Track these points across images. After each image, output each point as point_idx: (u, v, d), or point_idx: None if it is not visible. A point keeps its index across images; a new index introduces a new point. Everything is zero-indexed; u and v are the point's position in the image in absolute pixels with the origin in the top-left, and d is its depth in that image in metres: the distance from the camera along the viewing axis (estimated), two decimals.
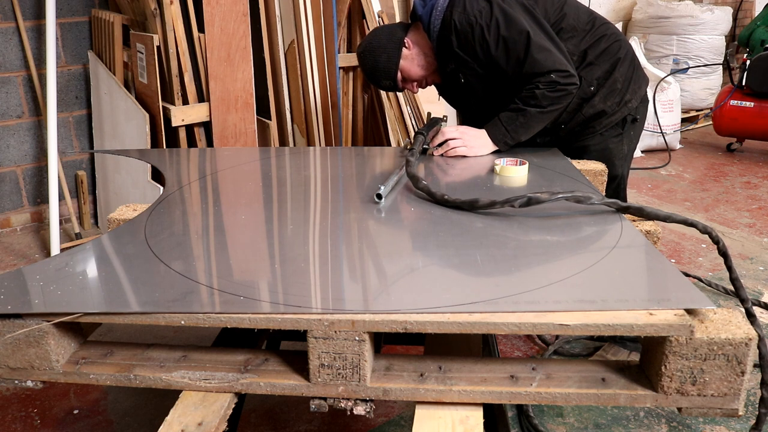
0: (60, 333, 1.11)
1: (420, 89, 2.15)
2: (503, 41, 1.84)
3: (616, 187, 2.11)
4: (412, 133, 3.35)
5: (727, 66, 5.25)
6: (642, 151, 4.82)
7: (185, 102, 2.91)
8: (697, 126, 5.53)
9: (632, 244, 1.29)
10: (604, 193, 1.88)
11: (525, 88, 1.87)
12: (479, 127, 2.00)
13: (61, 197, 3.17)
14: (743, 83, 4.53)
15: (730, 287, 2.52)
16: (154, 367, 1.13)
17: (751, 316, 1.32)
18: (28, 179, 3.39)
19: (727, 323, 1.02)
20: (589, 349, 2.31)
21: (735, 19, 6.16)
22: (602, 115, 2.00)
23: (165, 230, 1.40)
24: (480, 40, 1.86)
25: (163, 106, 2.87)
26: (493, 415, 1.33)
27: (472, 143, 1.95)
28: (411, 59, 2.01)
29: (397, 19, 3.64)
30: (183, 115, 2.88)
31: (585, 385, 1.06)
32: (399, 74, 2.03)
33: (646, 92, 2.10)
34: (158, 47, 2.81)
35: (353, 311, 1.04)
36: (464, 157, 1.95)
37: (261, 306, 1.06)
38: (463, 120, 2.34)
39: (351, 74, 3.48)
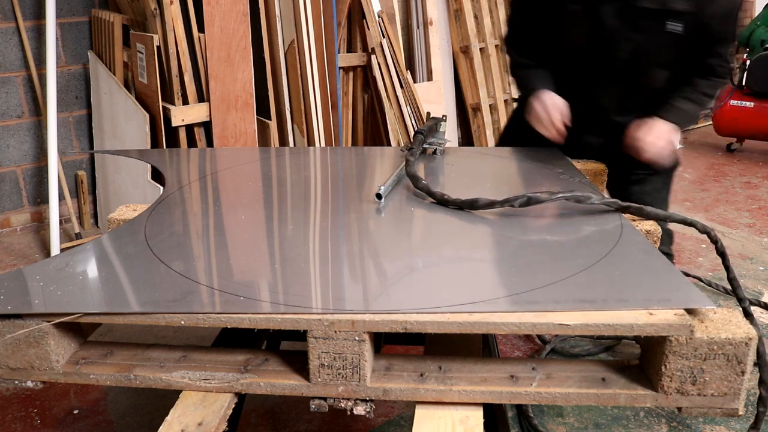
0: (60, 333, 1.11)
1: None
2: (733, 19, 1.71)
3: (671, 179, 2.01)
4: (412, 133, 3.36)
5: None
6: None
7: (185, 102, 2.91)
8: (697, 126, 5.53)
9: (632, 244, 1.29)
10: (604, 193, 1.88)
11: (694, 74, 1.75)
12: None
13: (61, 197, 3.17)
14: (743, 83, 4.53)
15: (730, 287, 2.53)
16: (154, 367, 1.13)
17: (748, 316, 1.32)
18: (28, 179, 3.39)
19: (727, 323, 1.02)
20: (587, 346, 2.30)
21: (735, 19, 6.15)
22: None
23: (165, 230, 1.40)
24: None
25: (163, 106, 2.87)
26: (493, 415, 1.33)
27: (671, 145, 1.74)
28: None
29: (397, 20, 3.64)
30: (183, 115, 2.88)
31: (585, 385, 1.06)
32: None
33: None
34: (158, 47, 2.81)
35: (353, 311, 1.04)
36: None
37: (261, 306, 1.06)
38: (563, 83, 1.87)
39: (351, 74, 3.48)
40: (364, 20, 3.31)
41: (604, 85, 1.83)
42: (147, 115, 2.85)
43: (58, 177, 3.11)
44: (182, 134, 2.95)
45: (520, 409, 1.95)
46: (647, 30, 1.68)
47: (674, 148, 1.75)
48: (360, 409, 1.08)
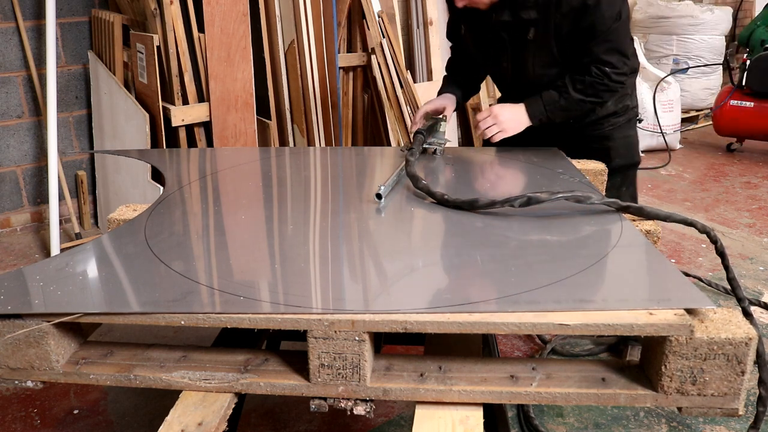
0: (60, 333, 1.11)
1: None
2: (599, 12, 1.74)
3: (633, 175, 2.11)
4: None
5: (727, 66, 5.25)
6: (642, 151, 4.82)
7: (185, 102, 2.91)
8: (697, 126, 5.53)
9: (632, 244, 1.29)
10: (604, 192, 1.88)
11: (575, 71, 1.83)
12: (511, 90, 2.00)
13: (61, 197, 3.17)
14: (743, 83, 4.53)
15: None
16: (154, 367, 1.13)
17: (748, 316, 1.32)
18: (28, 179, 3.39)
19: (727, 323, 1.02)
20: (587, 346, 2.30)
21: (735, 19, 6.15)
22: (612, 116, 2.01)
23: (165, 230, 1.40)
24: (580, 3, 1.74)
25: (163, 106, 2.87)
26: (493, 415, 1.33)
27: (506, 125, 1.88)
28: None
29: (397, 20, 3.64)
30: (183, 115, 2.88)
31: (585, 385, 1.06)
32: None
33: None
34: (158, 47, 2.81)
35: (353, 311, 1.04)
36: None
37: (261, 306, 1.06)
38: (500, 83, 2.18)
39: (351, 74, 3.48)
40: (364, 20, 3.31)
41: (515, 92, 2.01)
42: (147, 115, 2.85)
43: (58, 177, 3.11)
44: (182, 134, 2.95)
45: (520, 409, 1.95)
46: (516, 39, 1.86)
47: (508, 126, 1.89)
48: (360, 409, 1.08)
